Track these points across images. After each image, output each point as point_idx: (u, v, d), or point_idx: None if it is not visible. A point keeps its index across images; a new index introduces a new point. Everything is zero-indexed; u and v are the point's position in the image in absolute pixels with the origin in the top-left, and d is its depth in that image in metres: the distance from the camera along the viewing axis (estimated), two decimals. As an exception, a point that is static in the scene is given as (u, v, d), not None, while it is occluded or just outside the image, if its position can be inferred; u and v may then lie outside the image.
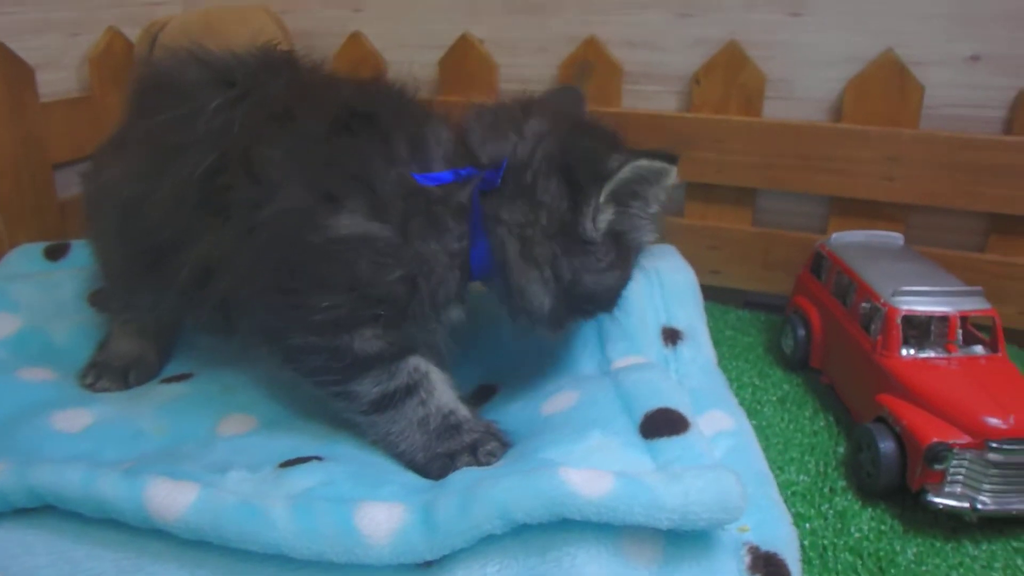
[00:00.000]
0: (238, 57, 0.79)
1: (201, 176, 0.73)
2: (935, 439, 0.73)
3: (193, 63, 0.78)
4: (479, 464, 0.70)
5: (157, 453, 0.74)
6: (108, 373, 0.89)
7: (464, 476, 0.63)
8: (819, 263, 1.05)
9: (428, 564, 0.58)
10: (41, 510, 0.64)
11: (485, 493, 0.58)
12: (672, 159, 0.69)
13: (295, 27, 1.40)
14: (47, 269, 1.10)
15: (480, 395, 0.87)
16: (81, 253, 1.10)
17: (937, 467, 0.73)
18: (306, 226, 0.69)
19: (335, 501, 0.60)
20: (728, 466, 0.69)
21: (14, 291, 0.98)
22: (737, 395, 0.97)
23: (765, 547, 0.59)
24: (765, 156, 1.16)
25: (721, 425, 0.76)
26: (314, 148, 0.71)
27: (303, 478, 0.66)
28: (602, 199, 0.70)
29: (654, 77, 1.22)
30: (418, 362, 0.73)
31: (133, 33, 1.36)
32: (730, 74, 1.16)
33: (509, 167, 0.72)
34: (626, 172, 0.69)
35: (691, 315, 0.97)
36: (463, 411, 0.74)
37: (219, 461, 0.70)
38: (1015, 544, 0.73)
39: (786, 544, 0.60)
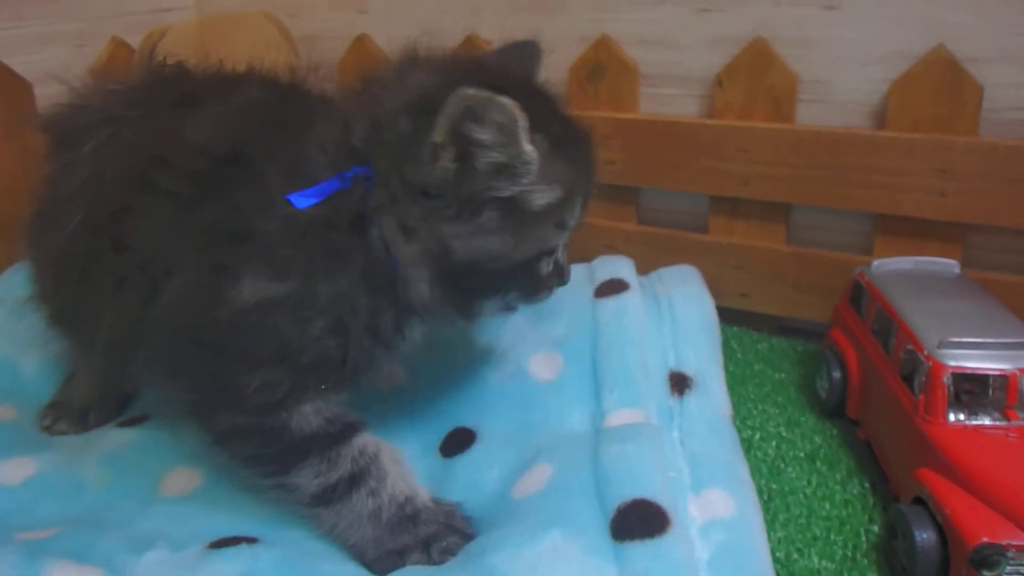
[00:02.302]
0: (115, 92, 0.74)
1: (74, 234, 0.67)
2: (985, 539, 0.60)
3: (74, 107, 0.74)
4: (431, 562, 0.62)
5: (89, 515, 0.71)
6: (67, 414, 0.86)
7: None
8: (858, 294, 0.91)
9: None
10: None
11: None
12: (499, 89, 0.56)
13: (301, 32, 1.36)
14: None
15: (456, 440, 0.79)
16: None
17: (987, 573, 0.60)
18: (210, 302, 0.61)
19: None
20: (717, 568, 0.59)
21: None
22: (758, 450, 0.86)
23: None
24: (797, 167, 1.02)
25: (717, 510, 0.65)
26: (188, 217, 0.63)
27: (225, 565, 0.60)
28: (436, 138, 0.58)
29: (672, 79, 1.10)
30: (365, 443, 0.65)
31: (138, 43, 1.32)
32: (756, 75, 1.02)
33: (373, 133, 0.62)
34: (451, 105, 0.57)
35: (704, 357, 0.86)
36: (421, 497, 0.66)
37: (148, 532, 0.67)
38: (1085, 668, 0.60)
39: None
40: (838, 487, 0.80)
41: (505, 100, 0.56)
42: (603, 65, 1.13)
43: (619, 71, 1.12)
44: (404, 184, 0.61)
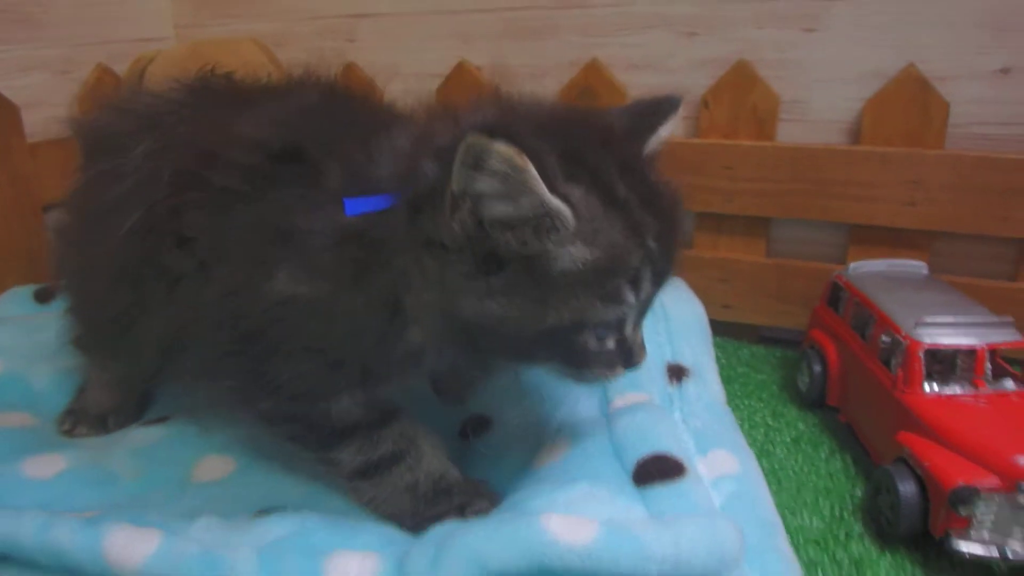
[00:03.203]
0: (160, 96, 0.75)
1: (129, 236, 0.67)
2: (961, 481, 0.65)
3: (116, 113, 0.75)
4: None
5: (127, 500, 0.72)
6: (85, 420, 0.86)
7: (444, 527, 0.58)
8: (836, 295, 0.98)
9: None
10: None
11: (458, 542, 0.53)
12: (493, 134, 0.50)
13: (289, 59, 1.35)
14: (35, 311, 1.10)
15: (474, 425, 0.82)
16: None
17: (963, 512, 0.65)
18: (249, 293, 0.62)
19: (306, 551, 0.58)
20: (730, 513, 0.63)
21: (-1, 336, 0.97)
22: (748, 436, 0.90)
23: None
24: (779, 182, 1.09)
25: (724, 468, 0.69)
26: (238, 208, 0.63)
27: (275, 526, 0.62)
28: (455, 187, 0.53)
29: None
30: (403, 427, 0.68)
31: (123, 70, 1.34)
32: (740, 95, 1.10)
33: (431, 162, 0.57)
34: (460, 152, 0.52)
35: (698, 351, 0.90)
36: (454, 473, 0.68)
37: (191, 509, 0.67)
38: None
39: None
40: (823, 463, 0.85)
41: (501, 145, 0.50)
42: (593, 89, 1.19)
43: (609, 94, 1.18)
44: (428, 230, 0.56)
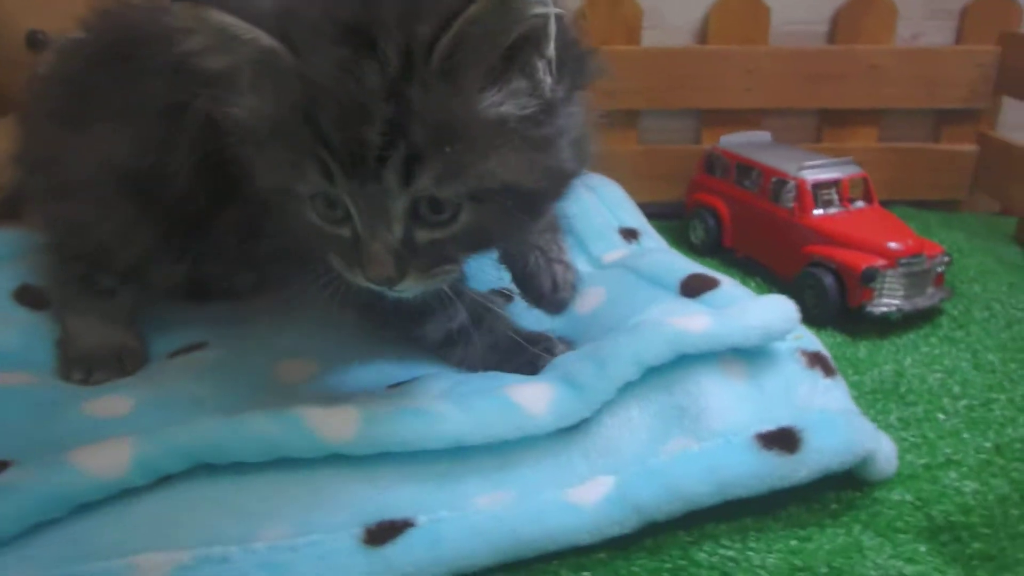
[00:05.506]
0: None
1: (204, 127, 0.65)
2: (865, 265, 0.96)
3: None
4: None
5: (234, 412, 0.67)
6: (100, 364, 0.81)
7: (592, 345, 0.73)
8: (712, 163, 1.26)
9: (583, 422, 0.68)
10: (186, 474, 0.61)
11: (615, 350, 0.69)
12: None
13: None
14: None
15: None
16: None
17: (872, 285, 0.96)
18: None
19: (485, 391, 0.67)
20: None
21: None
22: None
23: (811, 348, 0.77)
24: (646, 80, 1.34)
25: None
26: None
27: (434, 384, 0.72)
28: None
29: (543, 18, 1.35)
30: (473, 295, 0.76)
31: None
32: (612, 8, 1.33)
33: None
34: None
35: (636, 216, 1.14)
36: (525, 329, 0.81)
37: (313, 399, 0.67)
38: (923, 331, 0.97)
39: (820, 345, 0.79)
40: (742, 285, 1.13)
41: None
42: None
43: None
44: None
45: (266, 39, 0.55)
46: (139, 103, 0.74)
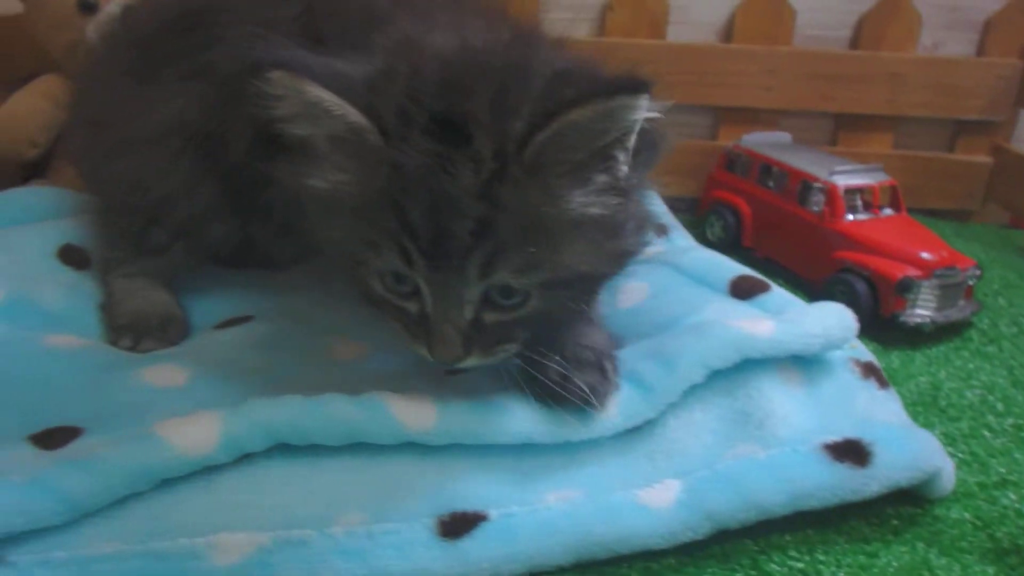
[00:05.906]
0: None
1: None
2: (901, 275, 0.96)
3: None
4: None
5: (287, 382, 0.68)
6: (147, 332, 0.80)
7: (653, 341, 0.71)
8: (734, 160, 1.25)
9: (647, 423, 0.66)
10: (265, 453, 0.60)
11: (681, 351, 0.67)
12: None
13: None
14: None
15: None
16: (16, 207, 0.96)
17: (906, 295, 0.96)
18: None
19: None
20: None
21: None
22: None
23: (864, 358, 0.76)
24: (670, 75, 1.32)
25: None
26: None
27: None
28: None
29: (567, 6, 1.32)
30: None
31: None
32: (639, 1, 1.30)
33: None
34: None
35: (664, 212, 1.12)
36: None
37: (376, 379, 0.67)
38: (954, 344, 0.98)
39: (872, 356, 0.78)
40: (766, 287, 1.12)
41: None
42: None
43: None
44: None
45: (355, 115, 0.55)
46: (207, 69, 0.75)
